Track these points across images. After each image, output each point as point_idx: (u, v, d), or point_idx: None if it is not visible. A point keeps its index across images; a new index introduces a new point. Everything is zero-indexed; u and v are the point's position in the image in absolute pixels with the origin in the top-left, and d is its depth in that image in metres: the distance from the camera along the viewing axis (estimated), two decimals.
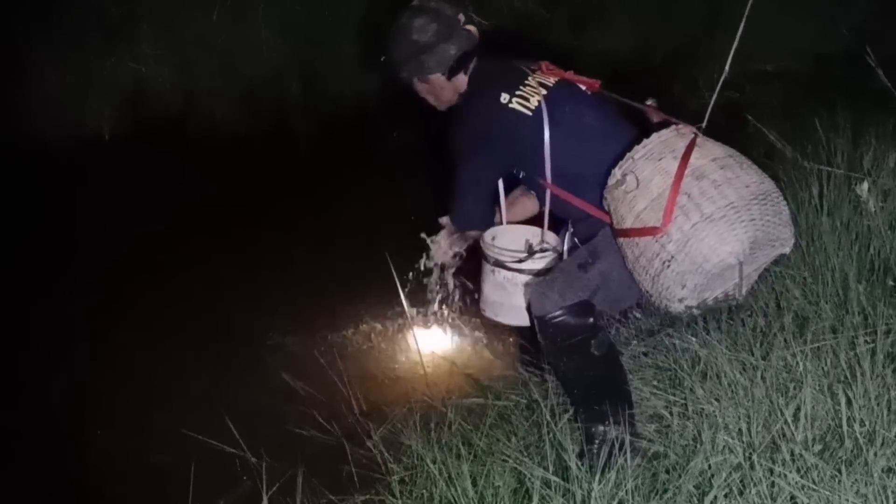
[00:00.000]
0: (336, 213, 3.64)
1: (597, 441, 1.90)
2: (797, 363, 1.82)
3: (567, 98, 2.13)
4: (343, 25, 4.85)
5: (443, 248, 2.36)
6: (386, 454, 2.07)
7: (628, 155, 1.93)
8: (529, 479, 1.75)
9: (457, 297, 2.52)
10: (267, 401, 2.53)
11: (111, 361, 2.73)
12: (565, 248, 2.21)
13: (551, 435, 1.87)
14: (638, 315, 2.32)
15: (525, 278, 2.19)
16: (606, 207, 2.00)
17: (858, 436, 1.60)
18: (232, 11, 4.82)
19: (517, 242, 2.27)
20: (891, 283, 2.06)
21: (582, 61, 4.63)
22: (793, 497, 1.54)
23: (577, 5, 5.30)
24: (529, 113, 2.08)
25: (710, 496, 1.57)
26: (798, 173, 2.71)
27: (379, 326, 2.92)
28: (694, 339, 2.00)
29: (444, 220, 2.35)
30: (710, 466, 1.64)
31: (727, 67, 2.42)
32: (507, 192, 2.35)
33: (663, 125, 1.99)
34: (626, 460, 1.69)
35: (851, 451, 1.60)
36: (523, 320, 2.20)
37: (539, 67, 2.20)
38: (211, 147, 4.29)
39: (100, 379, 2.65)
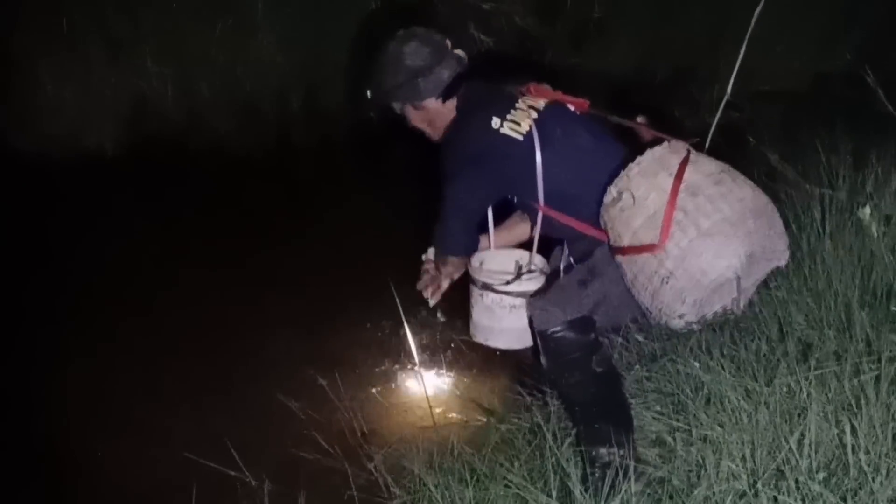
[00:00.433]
0: (337, 230, 3.63)
1: (598, 465, 1.89)
2: (801, 389, 1.81)
3: (558, 120, 2.11)
4: (345, 40, 4.86)
5: (436, 282, 2.27)
6: (388, 478, 2.06)
7: (623, 173, 1.93)
8: None
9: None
10: (267, 423, 2.52)
11: (112, 383, 2.71)
12: (562, 266, 2.19)
13: (554, 459, 1.86)
14: (640, 339, 2.31)
15: (513, 301, 2.16)
16: (603, 225, 2.00)
17: (864, 465, 1.60)
18: (233, 27, 4.84)
19: (505, 266, 2.26)
20: (894, 308, 2.05)
21: (582, 79, 4.67)
22: None
23: (578, 23, 5.32)
24: (521, 138, 2.06)
25: None
26: (799, 195, 2.71)
27: (380, 347, 2.90)
28: (697, 364, 1.99)
29: (428, 254, 2.30)
30: (714, 493, 1.63)
31: (729, 90, 2.43)
32: (503, 217, 2.32)
33: (655, 142, 1.99)
34: (629, 486, 1.68)
35: (856, 480, 1.59)
36: (513, 343, 2.19)
37: (528, 89, 2.17)
38: (212, 162, 4.30)
39: (100, 401, 2.64)
